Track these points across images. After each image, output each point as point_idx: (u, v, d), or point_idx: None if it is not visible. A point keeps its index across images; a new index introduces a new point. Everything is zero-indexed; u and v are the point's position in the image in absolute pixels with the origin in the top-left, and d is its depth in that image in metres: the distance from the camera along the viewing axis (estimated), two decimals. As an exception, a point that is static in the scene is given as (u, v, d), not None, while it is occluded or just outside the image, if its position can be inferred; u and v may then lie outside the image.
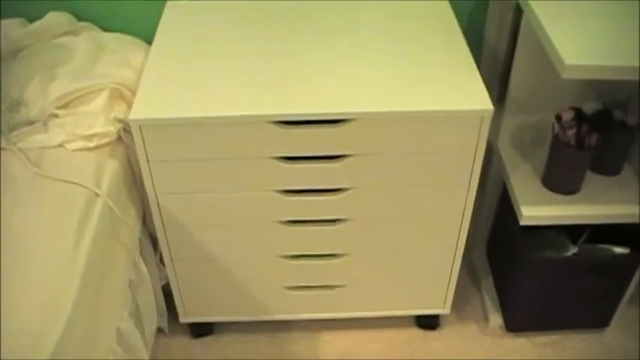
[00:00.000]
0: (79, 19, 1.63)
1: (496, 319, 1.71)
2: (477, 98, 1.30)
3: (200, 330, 1.69)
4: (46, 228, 1.17)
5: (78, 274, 1.13)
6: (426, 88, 1.32)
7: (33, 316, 1.05)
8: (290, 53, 1.41)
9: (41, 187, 1.23)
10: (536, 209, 1.44)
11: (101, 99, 1.35)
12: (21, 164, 1.26)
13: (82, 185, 1.24)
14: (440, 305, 1.64)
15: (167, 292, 1.60)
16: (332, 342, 1.68)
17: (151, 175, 1.34)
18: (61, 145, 1.31)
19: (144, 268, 1.48)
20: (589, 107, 1.45)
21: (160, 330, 1.65)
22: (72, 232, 1.17)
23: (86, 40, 1.54)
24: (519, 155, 1.56)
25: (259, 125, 1.28)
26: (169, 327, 1.68)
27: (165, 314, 1.65)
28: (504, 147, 1.58)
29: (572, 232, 1.56)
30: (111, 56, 1.48)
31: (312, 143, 1.31)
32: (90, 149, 1.31)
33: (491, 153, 1.59)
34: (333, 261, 1.53)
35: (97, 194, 1.25)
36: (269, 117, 1.27)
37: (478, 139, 1.32)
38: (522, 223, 1.45)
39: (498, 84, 1.69)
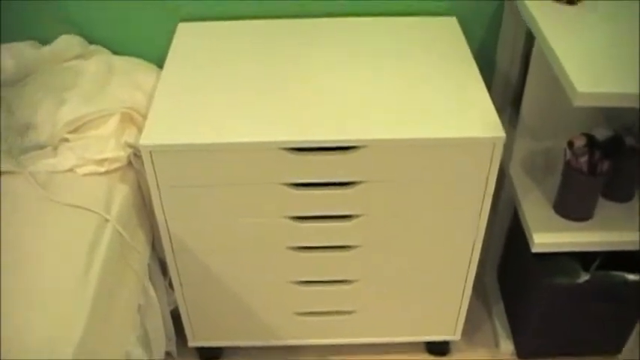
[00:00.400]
0: (90, 42, 1.64)
1: (507, 346, 1.69)
2: (489, 125, 1.29)
3: (209, 354, 1.68)
4: (56, 253, 1.16)
5: (88, 300, 1.12)
6: (438, 114, 1.32)
7: (43, 341, 1.04)
8: (302, 78, 1.41)
9: (51, 211, 1.23)
10: (548, 236, 1.43)
11: (112, 123, 1.35)
12: (31, 188, 1.26)
13: (91, 210, 1.23)
14: (450, 331, 1.62)
15: (176, 316, 1.59)
16: (342, 367, 1.67)
17: (161, 200, 1.34)
18: (71, 170, 1.30)
19: (153, 292, 1.47)
20: (600, 133, 1.44)
21: (168, 354, 1.64)
22: (82, 258, 1.16)
23: (97, 63, 1.54)
24: (531, 181, 1.55)
25: (270, 152, 1.27)
26: (178, 351, 1.66)
27: (174, 338, 1.64)
28: (516, 172, 1.57)
29: (584, 258, 1.55)
30: (121, 79, 1.48)
31: (323, 170, 1.31)
32: (100, 174, 1.31)
33: (502, 176, 1.58)
34: (344, 287, 1.52)
35: (106, 220, 1.24)
36: (280, 143, 1.26)
37: (490, 166, 1.31)
38: (534, 250, 1.43)
39: (510, 108, 1.68)
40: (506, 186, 1.60)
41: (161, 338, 1.54)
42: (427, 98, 1.36)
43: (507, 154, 1.58)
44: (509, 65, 1.65)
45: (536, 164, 1.59)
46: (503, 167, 1.58)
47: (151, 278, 1.49)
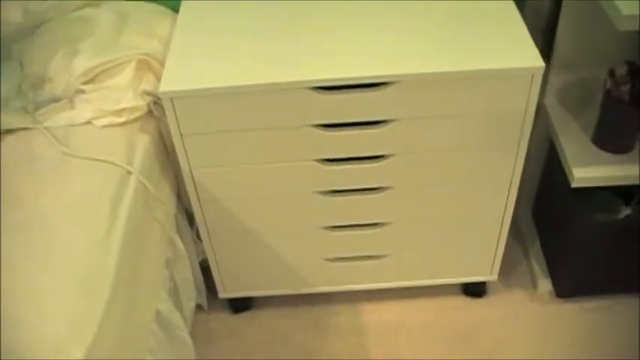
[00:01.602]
0: (100, -12, 1.56)
1: (545, 285, 1.64)
2: (526, 55, 1.22)
3: (240, 305, 1.65)
4: (78, 210, 1.12)
5: (114, 258, 1.08)
6: (471, 46, 1.24)
7: (69, 304, 1.00)
8: (326, 15, 1.34)
9: (70, 167, 1.18)
10: (588, 170, 1.36)
11: (128, 72, 1.29)
12: (48, 144, 1.21)
13: (113, 163, 1.18)
14: (487, 272, 1.58)
15: (205, 268, 1.56)
16: (375, 312, 1.63)
17: (184, 149, 1.28)
18: (88, 122, 1.25)
19: (180, 244, 1.43)
20: (643, 61, 1.36)
21: (199, 306, 1.62)
22: (105, 214, 1.12)
23: (108, 10, 1.47)
24: (568, 114, 1.47)
25: (296, 92, 1.21)
26: (208, 303, 1.64)
27: (204, 290, 1.62)
28: (552, 105, 1.49)
29: (624, 193, 1.48)
30: (135, 26, 1.41)
31: (352, 109, 1.25)
32: (119, 125, 1.25)
33: (537, 110, 1.50)
34: (376, 230, 1.47)
35: (129, 172, 1.19)
36: (306, 83, 1.20)
37: (528, 99, 1.24)
38: (574, 185, 1.37)
39: (542, 39, 1.60)
40: (541, 120, 1.53)
41: (191, 291, 1.51)
42: (459, 30, 1.28)
43: (542, 87, 1.50)
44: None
45: (572, 96, 1.52)
46: (537, 101, 1.51)
47: (178, 230, 1.45)
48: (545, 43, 1.57)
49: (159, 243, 1.30)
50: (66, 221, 1.11)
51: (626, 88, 1.33)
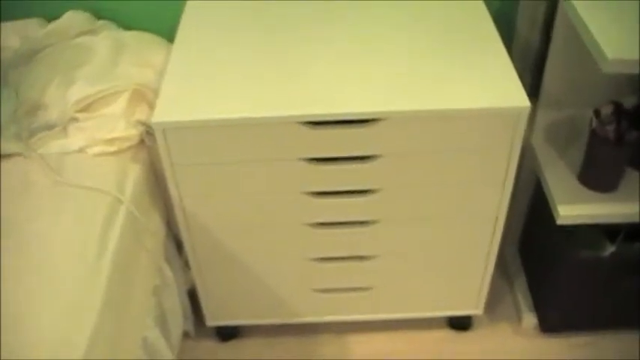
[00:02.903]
0: (98, 17, 1.59)
1: (530, 319, 1.66)
2: (512, 94, 1.24)
3: (227, 333, 1.66)
4: (68, 237, 1.14)
5: (102, 284, 1.10)
6: (458, 83, 1.27)
7: (56, 328, 1.02)
8: (316, 52, 1.36)
9: (62, 194, 1.20)
10: (574, 208, 1.38)
11: (122, 101, 1.31)
12: (41, 171, 1.23)
13: (104, 191, 1.20)
14: (472, 306, 1.59)
15: (193, 296, 1.57)
16: (362, 343, 1.64)
17: (175, 178, 1.30)
18: (81, 150, 1.27)
19: (169, 272, 1.45)
20: (629, 102, 1.38)
21: (186, 334, 1.62)
22: (95, 241, 1.13)
23: (106, 39, 1.50)
24: (554, 151, 1.50)
25: (287, 126, 1.23)
26: (196, 330, 1.64)
27: (191, 318, 1.62)
28: (538, 142, 1.52)
29: (609, 230, 1.50)
30: (131, 56, 1.44)
31: (340, 144, 1.27)
32: (111, 154, 1.27)
33: (524, 148, 1.53)
34: (363, 263, 1.48)
35: (120, 200, 1.21)
36: (296, 117, 1.22)
37: (513, 138, 1.26)
38: (559, 222, 1.39)
39: (530, 76, 1.63)
40: (528, 156, 1.55)
41: (178, 318, 1.52)
42: (446, 67, 1.31)
43: (529, 123, 1.53)
44: (529, 29, 1.59)
45: (559, 134, 1.54)
46: (525, 137, 1.54)
47: (166, 257, 1.46)
48: (534, 79, 1.61)
49: (147, 271, 1.31)
50: (57, 247, 1.12)
51: (611, 128, 1.35)
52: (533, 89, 1.58)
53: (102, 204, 1.19)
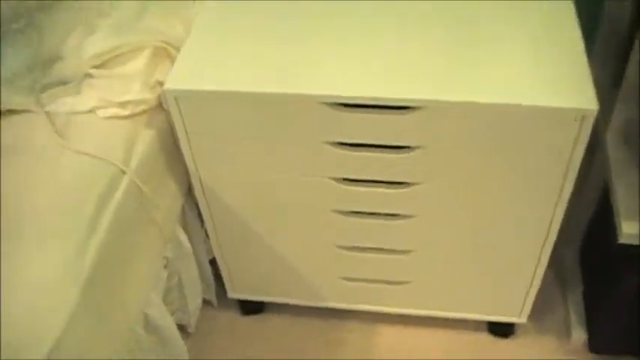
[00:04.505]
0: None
1: (580, 335, 1.48)
2: (578, 92, 1.05)
3: (250, 307, 1.58)
4: (61, 208, 1.05)
5: (89, 261, 1.01)
6: (514, 73, 1.09)
7: (33, 305, 0.95)
8: (353, 29, 1.19)
9: (64, 159, 1.10)
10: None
11: (141, 59, 1.19)
12: (45, 132, 1.14)
13: (107, 161, 1.11)
14: (516, 313, 1.43)
15: (217, 265, 1.49)
16: (390, 336, 1.52)
17: (190, 148, 1.20)
18: (92, 111, 1.17)
19: (187, 243, 1.36)
20: None
21: (208, 302, 1.55)
22: (89, 214, 1.04)
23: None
24: (630, 155, 1.29)
25: (309, 105, 1.09)
26: (220, 300, 1.57)
27: (213, 287, 1.54)
28: (613, 142, 1.31)
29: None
30: (160, 7, 1.31)
31: (370, 130, 1.12)
32: (124, 117, 1.17)
33: (596, 144, 1.33)
34: (397, 256, 1.35)
35: (123, 171, 1.12)
36: (318, 97, 1.08)
37: (576, 143, 1.07)
38: (621, 241, 1.20)
39: (616, 61, 1.40)
40: (599, 156, 1.35)
41: (197, 288, 1.45)
42: (504, 50, 1.12)
43: (605, 120, 1.32)
44: (618, 8, 1.35)
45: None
46: (598, 133, 1.33)
47: (186, 225, 1.38)
48: (621, 65, 1.38)
49: (154, 244, 1.23)
50: (48, 218, 1.04)
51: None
52: (619, 77, 1.36)
53: (103, 174, 1.09)
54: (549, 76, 1.08)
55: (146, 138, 1.18)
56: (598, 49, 1.41)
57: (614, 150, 1.30)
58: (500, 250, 1.30)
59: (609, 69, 1.39)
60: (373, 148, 1.15)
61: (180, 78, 1.12)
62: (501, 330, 1.51)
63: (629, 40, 1.30)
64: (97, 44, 1.20)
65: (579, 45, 1.13)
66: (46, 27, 1.29)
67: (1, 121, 1.16)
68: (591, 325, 1.47)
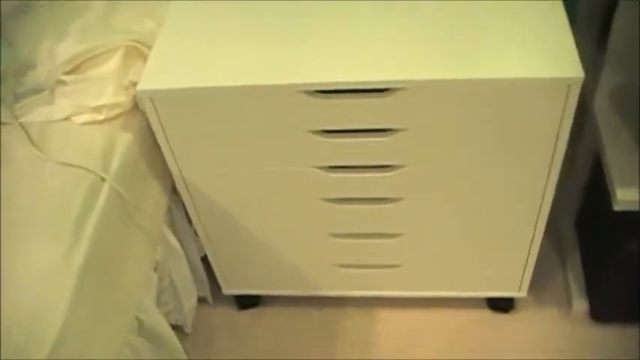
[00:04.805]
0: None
1: (581, 304, 1.46)
2: (563, 61, 1.02)
3: (246, 302, 1.56)
4: (42, 220, 1.02)
5: (75, 270, 0.98)
6: (494, 47, 1.05)
7: (23, 320, 0.93)
8: (327, 11, 1.16)
9: (43, 170, 1.08)
10: (635, 192, 1.17)
11: (114, 61, 1.16)
12: (22, 143, 1.11)
13: (85, 169, 1.08)
14: (515, 288, 1.41)
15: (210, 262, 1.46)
16: (389, 320, 1.51)
17: (170, 148, 1.17)
18: (68, 119, 1.14)
19: (176, 243, 1.33)
20: None
21: (203, 300, 1.53)
22: (70, 225, 1.02)
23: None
24: (620, 121, 1.26)
25: (287, 95, 1.06)
26: (215, 297, 1.54)
27: (207, 284, 1.52)
28: (602, 110, 1.28)
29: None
30: (131, 5, 1.27)
31: (352, 116, 1.09)
32: (100, 122, 1.14)
33: (584, 111, 1.30)
34: (389, 240, 1.33)
35: (103, 178, 1.09)
36: (296, 86, 1.05)
37: (563, 113, 1.05)
38: (616, 208, 1.18)
39: (600, 25, 1.37)
40: (589, 125, 1.32)
41: (190, 287, 1.43)
42: (483, 23, 1.09)
43: (592, 87, 1.29)
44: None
45: (629, 99, 1.29)
46: (586, 102, 1.30)
47: (174, 226, 1.35)
48: (604, 29, 1.35)
49: (142, 248, 1.20)
50: (30, 228, 1.02)
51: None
52: (602, 41, 1.33)
53: (83, 183, 1.06)
54: (532, 47, 1.05)
55: (124, 141, 1.15)
56: (581, 14, 1.38)
57: (603, 116, 1.27)
58: (495, 225, 1.28)
59: (593, 33, 1.36)
60: (356, 134, 1.12)
61: (153, 78, 1.09)
62: (501, 305, 1.49)
63: (613, 2, 1.27)
64: (68, 50, 1.16)
65: (561, 12, 1.10)
66: (16, 33, 1.25)
67: (-26, 135, 1.13)
68: (592, 293, 1.45)
